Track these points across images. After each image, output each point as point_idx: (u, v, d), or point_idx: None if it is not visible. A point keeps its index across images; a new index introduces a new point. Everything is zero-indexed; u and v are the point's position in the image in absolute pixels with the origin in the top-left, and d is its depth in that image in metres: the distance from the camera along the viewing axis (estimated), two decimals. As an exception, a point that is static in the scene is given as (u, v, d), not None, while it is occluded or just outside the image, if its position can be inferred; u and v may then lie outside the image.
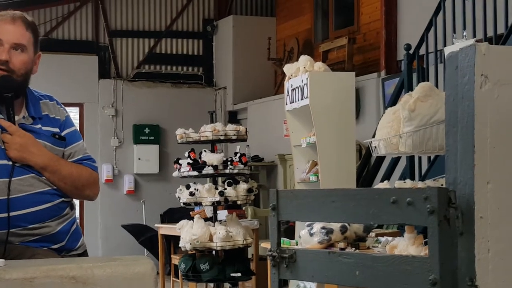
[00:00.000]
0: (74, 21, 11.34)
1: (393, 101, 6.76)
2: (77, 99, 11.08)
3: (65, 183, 2.73)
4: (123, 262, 2.16)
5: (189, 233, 5.98)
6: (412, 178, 6.16)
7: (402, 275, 2.14)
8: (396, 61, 8.56)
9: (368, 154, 7.24)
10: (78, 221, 2.94)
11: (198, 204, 6.23)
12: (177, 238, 6.55)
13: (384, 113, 3.32)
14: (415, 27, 7.71)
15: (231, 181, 6.10)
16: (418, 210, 2.08)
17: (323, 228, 3.10)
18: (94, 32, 11.42)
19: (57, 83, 10.16)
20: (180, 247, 6.29)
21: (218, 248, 6.02)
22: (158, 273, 2.17)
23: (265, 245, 6.88)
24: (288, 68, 6.34)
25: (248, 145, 9.63)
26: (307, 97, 5.96)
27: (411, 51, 6.96)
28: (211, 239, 5.99)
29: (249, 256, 7.62)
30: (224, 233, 5.92)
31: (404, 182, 3.14)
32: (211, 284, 6.77)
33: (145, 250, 10.13)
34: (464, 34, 5.98)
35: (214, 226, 6.10)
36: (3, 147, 2.65)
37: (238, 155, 6.16)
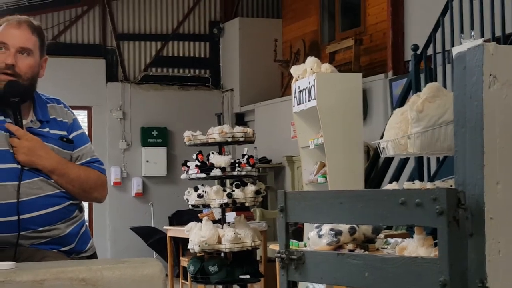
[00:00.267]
0: (81, 25, 11.36)
1: (401, 102, 6.74)
2: (85, 102, 11.11)
3: (73, 185, 2.74)
4: (132, 264, 2.17)
5: (197, 235, 5.98)
6: (421, 179, 6.14)
7: (412, 276, 2.13)
8: (404, 61, 8.54)
9: (376, 155, 7.23)
10: (87, 223, 2.94)
11: (206, 206, 6.24)
12: (185, 240, 6.56)
13: (392, 114, 3.31)
14: (422, 28, 7.69)
15: (239, 183, 6.11)
16: (427, 211, 2.07)
17: (331, 229, 3.10)
18: (102, 36, 11.45)
19: (65, 86, 10.18)
20: (188, 249, 6.30)
21: (227, 250, 6.02)
22: (166, 275, 2.17)
23: (274, 247, 6.88)
24: (295, 70, 6.34)
25: (255, 147, 9.63)
26: (315, 98, 5.96)
27: (418, 52, 6.95)
28: (219, 241, 5.99)
29: (258, 258, 7.62)
30: (232, 235, 5.92)
31: (413, 183, 3.14)
32: (220, 286, 6.77)
33: (154, 252, 10.14)
34: (472, 34, 5.98)
35: (222, 228, 6.10)
36: (11, 151, 2.66)
37: (246, 157, 6.16)
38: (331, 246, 3.04)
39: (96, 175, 2.85)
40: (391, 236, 3.90)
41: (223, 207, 6.21)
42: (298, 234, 6.13)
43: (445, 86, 6.25)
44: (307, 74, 6.10)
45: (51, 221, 2.68)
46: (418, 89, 6.58)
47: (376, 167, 7.51)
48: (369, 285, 2.26)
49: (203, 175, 6.11)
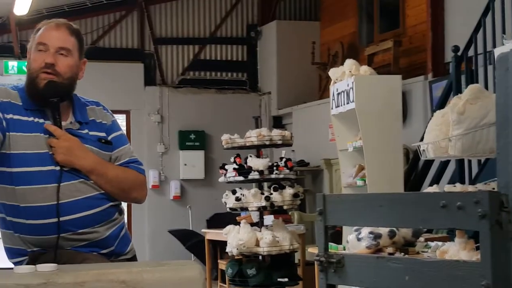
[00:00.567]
0: (120, 29, 11.47)
1: (441, 104, 6.68)
2: (124, 106, 11.20)
3: (112, 185, 2.76)
4: (172, 267, 2.17)
5: (235, 238, 5.99)
6: (462, 182, 6.07)
7: (453, 280, 2.10)
8: (444, 63, 8.45)
9: (416, 158, 7.16)
10: (126, 226, 2.95)
11: (244, 209, 6.24)
12: (223, 243, 6.57)
13: (432, 116, 3.28)
14: (463, 29, 7.61)
15: (277, 186, 6.10)
16: (469, 215, 2.04)
17: (371, 233, 3.07)
18: (140, 40, 11.53)
19: (104, 91, 10.27)
20: (226, 252, 6.31)
21: (265, 253, 6.02)
22: (205, 278, 2.18)
23: (312, 250, 6.86)
24: (333, 72, 6.31)
25: (293, 150, 9.61)
26: (353, 101, 5.93)
27: (459, 53, 6.88)
28: (257, 244, 5.99)
29: (296, 261, 7.61)
30: (270, 238, 5.92)
31: (454, 186, 3.10)
32: (258, 289, 6.76)
33: (192, 255, 10.18)
34: (513, 35, 5.90)
35: (260, 231, 6.10)
36: (51, 153, 2.69)
37: (284, 160, 6.16)
38: (370, 250, 3.01)
39: (135, 175, 2.86)
40: (432, 240, 3.85)
41: (261, 210, 6.21)
42: (336, 237, 6.10)
43: (486, 88, 6.18)
44: (346, 76, 6.07)
45: (91, 223, 2.70)
46: (459, 91, 6.50)
47: (415, 169, 7.44)
48: (409, 289, 2.24)
49: (241, 178, 6.11)
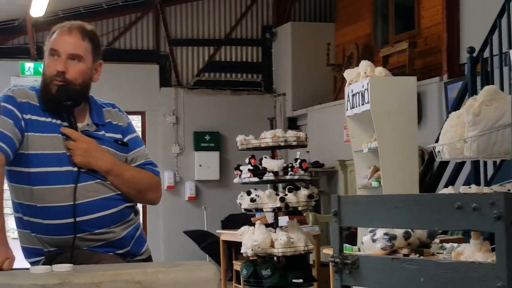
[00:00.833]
0: (135, 31, 11.50)
1: (457, 105, 6.65)
2: (139, 107, 11.23)
3: (128, 186, 2.78)
4: (187, 268, 2.18)
5: (250, 239, 6.00)
6: (477, 184, 6.05)
7: (468, 282, 2.10)
8: (459, 64, 8.42)
9: (431, 159, 7.14)
10: (141, 227, 2.97)
11: (259, 210, 6.25)
12: (238, 244, 6.58)
13: (447, 117, 3.28)
14: (478, 30, 7.58)
15: (292, 187, 6.10)
16: (484, 216, 2.04)
17: (386, 234, 3.07)
18: (155, 42, 11.56)
19: (119, 92, 10.32)
20: (241, 253, 6.32)
21: (280, 254, 6.02)
22: (220, 279, 2.19)
23: (327, 251, 6.85)
24: (348, 74, 6.31)
25: (308, 151, 9.60)
26: (368, 102, 5.92)
27: (474, 54, 6.85)
28: (272, 245, 5.99)
29: (310, 262, 7.60)
30: (285, 239, 5.92)
31: (469, 188, 3.09)
32: (273, 291, 6.77)
33: (207, 256, 10.19)
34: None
35: (275, 232, 6.10)
36: (68, 154, 2.71)
37: (299, 161, 6.16)
38: (385, 251, 3.01)
39: (150, 177, 2.88)
40: (447, 241, 3.85)
41: (276, 211, 6.21)
42: (351, 238, 6.09)
43: (502, 89, 6.15)
44: (361, 77, 6.07)
45: (107, 224, 2.72)
46: (474, 92, 6.48)
47: (431, 171, 7.42)
48: (424, 290, 2.23)
49: (256, 179, 6.12)
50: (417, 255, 3.03)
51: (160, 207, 10.69)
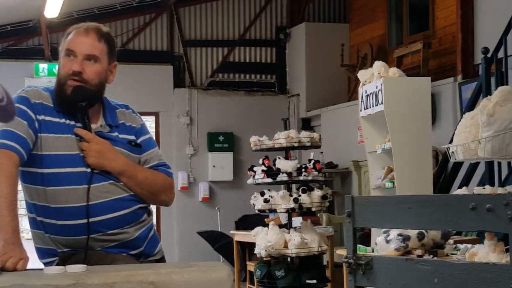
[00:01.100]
0: (149, 32, 11.53)
1: (471, 106, 6.63)
2: (153, 108, 11.26)
3: (141, 188, 2.78)
4: (201, 268, 2.18)
5: (264, 240, 5.99)
6: (492, 184, 6.02)
7: (483, 283, 2.09)
8: (473, 65, 8.39)
9: (445, 160, 7.12)
10: (155, 227, 2.97)
11: (273, 211, 6.25)
12: (252, 245, 6.58)
13: (461, 118, 3.26)
14: (493, 30, 7.55)
15: (306, 188, 6.09)
16: (499, 217, 2.03)
17: (399, 235, 3.06)
18: (169, 42, 11.59)
19: (133, 93, 10.34)
20: (255, 254, 6.31)
21: (293, 255, 6.02)
22: (233, 279, 2.18)
23: (340, 252, 6.84)
24: (362, 74, 6.30)
25: (322, 152, 9.59)
26: (382, 103, 5.91)
27: (489, 55, 6.82)
28: (286, 246, 5.99)
29: (324, 263, 7.59)
30: (299, 240, 5.91)
31: (484, 188, 3.08)
32: (286, 291, 6.76)
33: (220, 256, 10.20)
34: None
35: (289, 233, 6.10)
36: (82, 155, 2.71)
37: (312, 162, 6.15)
38: (399, 252, 3.01)
39: (163, 178, 2.88)
40: (461, 242, 3.83)
41: (290, 212, 6.21)
42: (365, 239, 6.08)
43: (516, 89, 6.11)
44: (375, 78, 6.05)
45: (120, 224, 2.73)
46: (488, 92, 6.46)
47: (445, 172, 7.40)
48: (438, 291, 2.23)
49: (270, 180, 6.12)
50: (431, 256, 3.02)
51: (174, 208, 10.70)
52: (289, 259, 6.21)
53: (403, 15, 10.15)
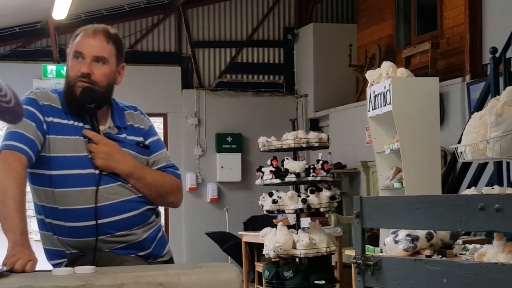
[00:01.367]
0: (157, 33, 11.54)
1: (479, 106, 6.62)
2: (161, 109, 11.27)
3: (149, 189, 2.78)
4: (209, 269, 2.18)
5: (272, 240, 5.99)
6: (500, 184, 6.01)
7: (492, 283, 2.09)
8: (482, 65, 8.37)
9: (454, 160, 7.10)
10: (163, 228, 2.97)
11: (281, 211, 6.25)
12: (260, 246, 6.58)
13: (470, 118, 3.26)
14: (501, 30, 7.53)
15: (314, 188, 6.09)
16: (508, 217, 2.02)
17: (408, 235, 3.06)
18: (177, 43, 11.60)
19: (141, 94, 10.36)
20: (263, 255, 6.32)
21: (302, 256, 6.02)
22: (242, 280, 2.19)
23: (349, 252, 6.84)
24: (370, 75, 6.29)
25: (330, 152, 9.58)
26: (390, 103, 5.90)
27: (497, 55, 6.80)
28: (294, 247, 5.99)
29: (333, 263, 7.59)
30: (307, 241, 5.91)
31: (492, 188, 3.07)
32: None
33: (229, 257, 10.20)
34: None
35: (297, 233, 6.10)
36: (90, 156, 2.72)
37: (321, 162, 6.15)
38: (407, 252, 3.00)
39: (172, 180, 2.88)
40: (470, 242, 3.82)
41: (298, 213, 6.20)
42: (373, 239, 6.08)
43: (525, 89, 6.09)
44: (383, 78, 6.05)
45: (128, 226, 2.73)
46: (497, 92, 6.44)
47: (453, 172, 7.38)
48: (447, 292, 2.22)
49: (278, 180, 6.12)
50: (440, 256, 3.02)
51: (182, 209, 10.71)
52: (297, 259, 6.20)
53: (411, 15, 10.14)
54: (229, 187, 11.47)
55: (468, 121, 3.23)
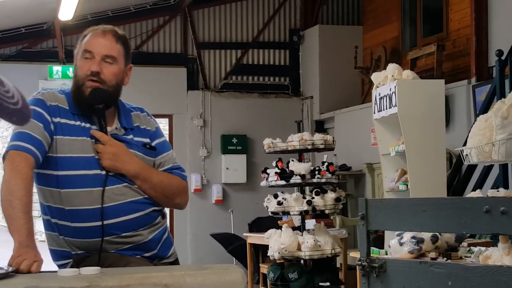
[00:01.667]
0: (163, 34, 11.55)
1: (485, 108, 6.61)
2: (167, 110, 11.28)
3: (156, 191, 2.79)
4: (214, 271, 2.19)
5: (277, 242, 6.00)
6: (506, 187, 6.00)
7: (497, 286, 2.08)
8: (487, 67, 8.36)
9: (459, 162, 7.09)
10: (168, 230, 2.98)
11: (286, 213, 6.25)
12: (265, 247, 6.58)
13: (475, 120, 3.26)
14: (507, 33, 7.52)
15: (319, 190, 6.09)
16: (513, 220, 2.02)
17: (413, 237, 3.06)
18: (183, 45, 11.61)
19: (147, 95, 10.37)
20: (268, 256, 6.32)
21: (307, 257, 6.01)
22: (247, 282, 2.20)
23: (354, 254, 6.83)
24: (376, 77, 6.29)
25: (335, 154, 9.58)
26: (396, 105, 5.90)
27: (503, 57, 6.79)
28: (299, 248, 5.99)
29: (338, 265, 7.58)
30: (312, 242, 5.91)
31: (498, 191, 3.07)
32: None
33: (234, 259, 10.20)
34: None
35: (302, 235, 6.10)
36: (96, 157, 2.73)
37: (326, 164, 6.15)
38: (412, 254, 3.00)
39: (178, 181, 2.89)
40: (475, 245, 3.82)
41: (303, 214, 6.20)
42: (378, 241, 6.07)
43: (531, 91, 6.09)
44: (388, 80, 6.05)
45: (134, 227, 2.73)
46: (502, 95, 6.43)
47: (459, 174, 7.37)
48: (452, 294, 2.22)
49: (283, 182, 6.12)
50: (445, 258, 3.01)
51: (187, 210, 10.71)
52: (302, 261, 6.21)
53: (417, 17, 10.13)
54: (234, 189, 11.47)
55: (474, 123, 3.23)
